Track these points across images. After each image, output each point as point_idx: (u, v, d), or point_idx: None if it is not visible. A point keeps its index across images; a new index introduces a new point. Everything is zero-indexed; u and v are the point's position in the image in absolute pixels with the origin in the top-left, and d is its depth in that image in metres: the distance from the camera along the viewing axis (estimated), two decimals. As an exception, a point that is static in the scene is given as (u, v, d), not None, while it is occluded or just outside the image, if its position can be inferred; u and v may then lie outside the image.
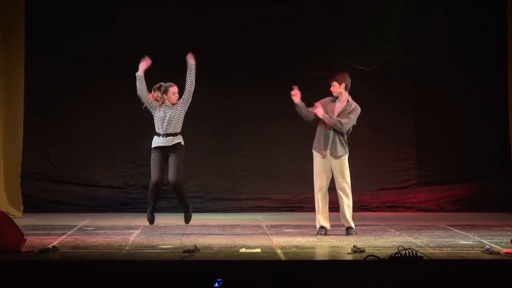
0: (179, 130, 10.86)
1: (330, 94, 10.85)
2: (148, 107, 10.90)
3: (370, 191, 14.58)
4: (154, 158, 10.83)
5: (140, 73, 10.90)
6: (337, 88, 10.74)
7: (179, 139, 10.86)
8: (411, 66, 14.57)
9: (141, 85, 10.87)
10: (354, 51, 14.55)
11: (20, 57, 13.13)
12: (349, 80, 10.79)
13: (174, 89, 10.87)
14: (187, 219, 11.07)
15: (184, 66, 14.13)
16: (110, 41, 14.15)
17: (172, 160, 10.78)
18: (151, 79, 13.84)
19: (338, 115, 10.70)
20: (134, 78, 14.21)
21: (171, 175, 10.79)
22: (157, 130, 10.84)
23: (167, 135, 10.78)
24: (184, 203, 11.03)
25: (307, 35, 14.39)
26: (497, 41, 14.28)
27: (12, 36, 13.07)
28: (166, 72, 13.96)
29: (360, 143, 14.14)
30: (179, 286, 7.77)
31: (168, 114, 10.81)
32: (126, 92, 14.17)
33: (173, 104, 10.83)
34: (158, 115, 10.82)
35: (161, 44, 14.14)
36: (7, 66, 13.07)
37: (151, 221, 10.96)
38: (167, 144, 10.78)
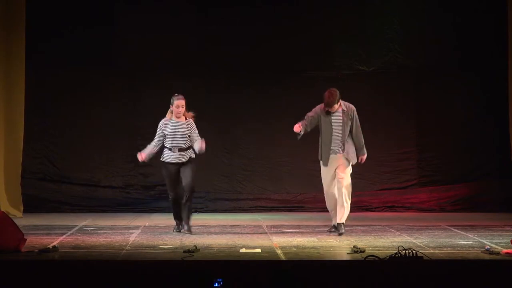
0: (190, 144, 10.83)
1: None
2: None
3: (370, 191, 14.57)
4: (166, 174, 10.89)
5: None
6: (336, 106, 10.77)
7: (191, 154, 10.83)
8: (411, 66, 14.57)
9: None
10: (354, 51, 14.55)
11: (21, 57, 13.13)
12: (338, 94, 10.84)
13: (179, 102, 10.82)
14: (189, 229, 10.95)
15: (183, 66, 14.24)
16: (110, 41, 14.15)
17: (185, 171, 10.79)
18: (151, 78, 13.93)
19: (344, 122, 10.73)
20: (134, 78, 14.30)
21: (185, 182, 10.80)
22: (167, 145, 10.83)
23: (179, 149, 10.78)
24: (189, 212, 10.97)
25: (307, 35, 14.38)
26: (497, 41, 14.27)
27: (13, 36, 13.07)
28: (166, 72, 14.07)
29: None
30: (179, 286, 7.77)
31: (179, 130, 10.81)
32: (126, 92, 14.27)
33: (185, 119, 10.81)
34: (169, 131, 10.81)
35: (161, 44, 14.16)
36: (7, 66, 13.07)
37: (178, 230, 11.04)
38: (179, 161, 10.80)
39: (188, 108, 10.97)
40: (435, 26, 14.57)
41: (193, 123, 10.90)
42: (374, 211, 14.30)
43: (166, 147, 10.84)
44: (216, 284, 7.72)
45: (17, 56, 13.11)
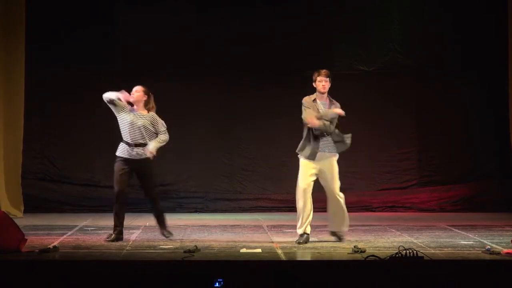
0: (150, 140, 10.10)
1: (329, 92, 10.66)
2: (115, 110, 10.24)
3: (370, 191, 14.59)
4: (117, 169, 10.08)
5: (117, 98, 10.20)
6: (328, 85, 10.19)
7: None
8: (412, 66, 14.59)
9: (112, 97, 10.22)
10: (354, 51, 14.56)
11: (21, 57, 13.14)
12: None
13: (136, 88, 10.17)
14: (167, 233, 10.27)
15: (183, 66, 14.26)
16: (110, 40, 14.16)
17: (143, 177, 10.10)
18: (151, 78, 13.90)
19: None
20: (134, 78, 14.22)
21: (147, 193, 10.19)
22: (124, 138, 10.13)
23: (136, 145, 10.05)
24: (162, 216, 10.31)
25: (307, 35, 14.39)
26: (497, 41, 14.28)
27: (13, 36, 13.08)
28: (166, 72, 14.08)
29: (360, 143, 14.15)
30: (180, 286, 7.77)
31: (139, 122, 10.12)
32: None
33: (146, 111, 10.13)
34: (128, 120, 10.11)
35: (161, 44, 14.17)
36: (8, 66, 13.07)
37: (115, 239, 9.98)
38: (134, 158, 10.06)
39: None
40: (435, 26, 14.58)
41: (157, 116, 10.19)
42: (374, 211, 14.31)
43: (123, 141, 10.15)
44: (217, 284, 7.72)
45: (17, 56, 13.12)
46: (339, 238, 10.13)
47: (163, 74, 14.09)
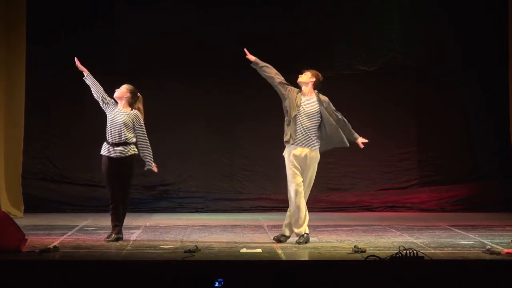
0: (130, 140, 9.96)
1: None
2: (102, 104, 10.24)
3: (371, 191, 14.58)
4: (103, 169, 10.01)
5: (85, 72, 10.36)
6: (306, 78, 10.17)
7: (131, 150, 9.98)
8: (412, 66, 14.58)
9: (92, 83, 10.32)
10: (354, 51, 14.56)
11: (22, 57, 13.14)
12: (321, 81, 10.23)
13: (123, 85, 10.16)
14: (113, 240, 9.91)
15: (183, 66, 14.25)
16: (110, 41, 14.16)
17: (121, 175, 9.94)
18: (151, 78, 13.91)
19: (315, 113, 9.97)
20: (134, 78, 14.20)
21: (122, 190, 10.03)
22: (106, 136, 10.00)
23: (115, 144, 9.90)
24: (122, 221, 10.05)
25: (308, 35, 14.39)
26: (497, 41, 14.28)
27: (14, 36, 13.08)
28: (166, 72, 14.07)
29: (360, 143, 14.14)
30: (180, 286, 7.77)
31: (119, 119, 9.98)
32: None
33: (130, 109, 10.02)
34: (109, 118, 10.01)
35: (161, 44, 14.17)
36: (8, 66, 13.07)
37: (118, 239, 9.95)
38: (116, 156, 9.93)
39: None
40: (435, 26, 14.58)
41: (139, 115, 9.99)
42: (374, 211, 14.30)
43: (106, 140, 10.01)
44: (217, 284, 7.72)
45: (17, 56, 13.11)
46: (279, 240, 9.88)
47: (163, 74, 14.10)
